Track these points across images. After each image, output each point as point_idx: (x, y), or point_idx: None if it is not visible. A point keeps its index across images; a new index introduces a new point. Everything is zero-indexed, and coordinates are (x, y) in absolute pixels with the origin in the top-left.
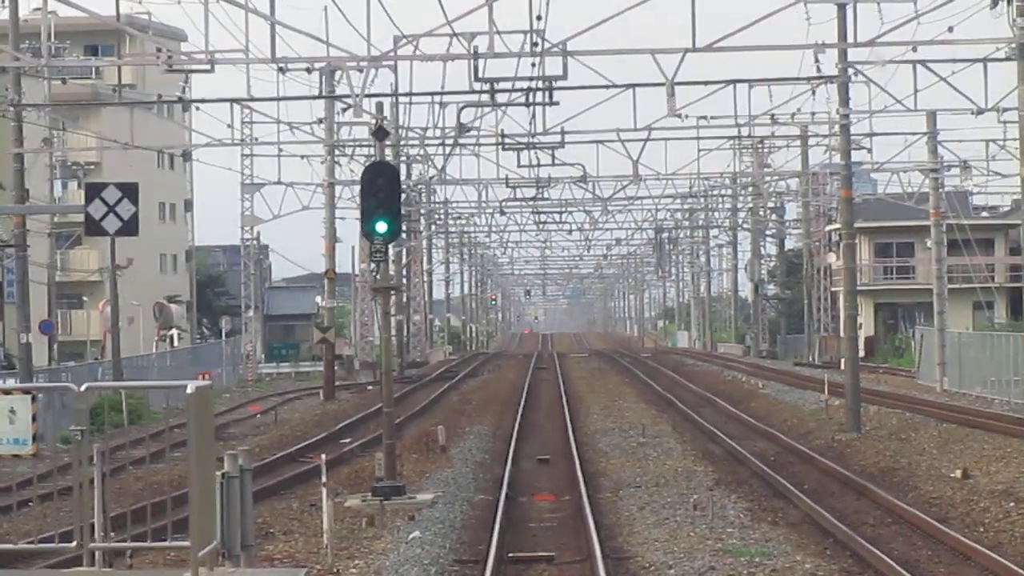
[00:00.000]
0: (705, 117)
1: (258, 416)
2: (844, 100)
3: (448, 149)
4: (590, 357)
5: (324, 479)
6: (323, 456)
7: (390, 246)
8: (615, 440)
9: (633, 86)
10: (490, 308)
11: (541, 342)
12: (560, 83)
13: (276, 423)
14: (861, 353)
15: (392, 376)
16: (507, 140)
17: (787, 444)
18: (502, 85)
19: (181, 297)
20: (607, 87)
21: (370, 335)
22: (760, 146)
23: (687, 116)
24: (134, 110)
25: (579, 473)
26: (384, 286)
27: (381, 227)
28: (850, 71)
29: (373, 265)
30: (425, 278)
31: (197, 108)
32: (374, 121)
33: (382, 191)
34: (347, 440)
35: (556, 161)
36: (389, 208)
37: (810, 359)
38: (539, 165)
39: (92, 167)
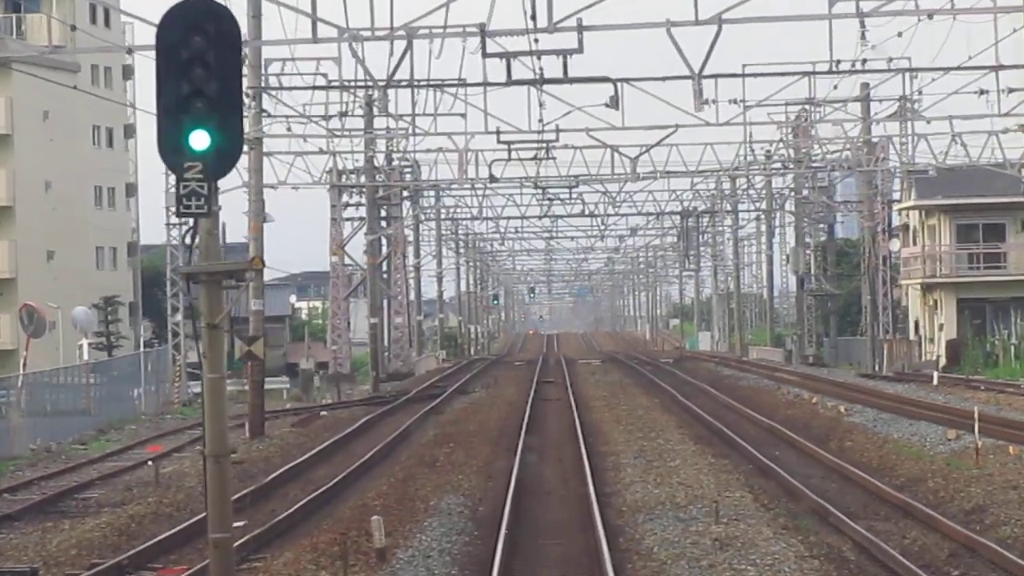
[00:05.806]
0: None
1: (149, 464)
2: None
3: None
4: (604, 365)
5: None
6: None
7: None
8: (670, 531)
9: None
10: (491, 307)
11: (546, 344)
12: None
13: (157, 483)
14: (943, 360)
15: (221, 445)
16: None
17: (958, 535)
18: None
19: (121, 298)
20: None
21: (340, 340)
22: (808, 108)
23: None
24: (60, 76)
25: None
26: (206, 269)
27: (199, 140)
28: None
29: (185, 225)
30: (411, 273)
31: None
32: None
33: (203, 64)
34: (242, 523)
35: (569, 76)
36: (219, 101)
37: (875, 368)
38: (542, 81)
39: None
